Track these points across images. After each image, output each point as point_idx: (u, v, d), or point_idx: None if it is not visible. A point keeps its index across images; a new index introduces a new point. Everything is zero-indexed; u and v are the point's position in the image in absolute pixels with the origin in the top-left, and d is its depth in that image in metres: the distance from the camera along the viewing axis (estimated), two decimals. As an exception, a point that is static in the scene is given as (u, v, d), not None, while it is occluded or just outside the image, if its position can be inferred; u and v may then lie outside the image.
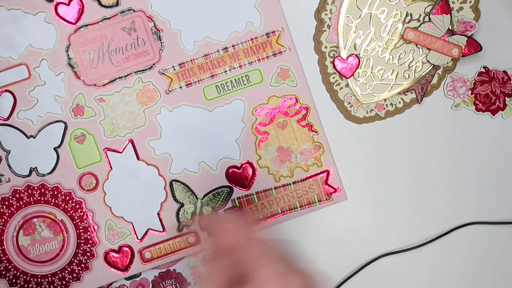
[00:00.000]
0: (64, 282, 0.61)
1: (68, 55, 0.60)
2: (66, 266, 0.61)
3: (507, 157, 0.62)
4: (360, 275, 0.62)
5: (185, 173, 0.60)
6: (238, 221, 0.42)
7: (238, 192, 0.61)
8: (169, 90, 0.60)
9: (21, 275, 0.60)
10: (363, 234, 0.62)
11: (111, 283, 0.61)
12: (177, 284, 0.62)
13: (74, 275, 0.61)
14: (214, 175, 0.61)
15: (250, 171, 0.61)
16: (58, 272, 0.61)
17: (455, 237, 0.62)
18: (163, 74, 0.60)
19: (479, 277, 0.62)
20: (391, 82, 0.61)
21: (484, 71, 0.61)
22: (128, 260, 0.61)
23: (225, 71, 0.60)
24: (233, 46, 0.60)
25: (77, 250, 0.61)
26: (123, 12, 0.59)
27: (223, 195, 0.61)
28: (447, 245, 0.62)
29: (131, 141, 0.60)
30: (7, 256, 0.60)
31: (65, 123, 0.60)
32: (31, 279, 0.61)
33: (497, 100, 0.62)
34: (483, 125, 0.62)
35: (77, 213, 0.60)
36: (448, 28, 0.59)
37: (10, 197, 0.60)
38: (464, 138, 0.62)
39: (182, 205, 0.61)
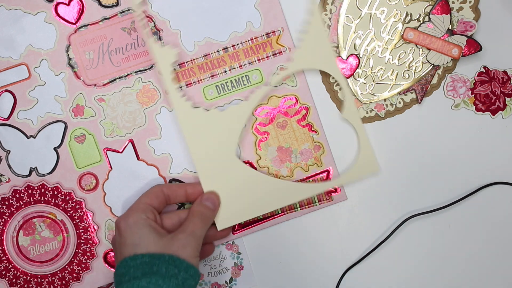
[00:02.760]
0: (64, 282, 0.61)
1: (68, 55, 0.60)
2: (66, 266, 0.61)
3: (507, 157, 0.62)
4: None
5: (185, 173, 0.60)
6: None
7: (238, 192, 0.61)
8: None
9: (21, 275, 0.60)
10: (360, 232, 0.62)
11: (111, 283, 0.61)
12: (177, 284, 0.62)
13: (74, 275, 0.61)
14: (214, 175, 0.61)
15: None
16: (58, 272, 0.61)
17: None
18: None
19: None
20: (391, 82, 0.61)
21: (484, 71, 0.61)
22: (128, 260, 0.61)
23: (225, 71, 0.60)
24: (233, 46, 0.60)
25: (77, 250, 0.61)
26: (123, 12, 0.59)
27: (223, 195, 0.61)
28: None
29: (131, 141, 0.60)
30: (7, 256, 0.60)
31: (65, 123, 0.60)
32: (31, 279, 0.61)
33: (497, 100, 0.62)
34: (483, 125, 0.62)
35: (77, 213, 0.60)
36: (448, 28, 0.59)
37: (10, 197, 0.60)
38: (464, 138, 0.62)
39: (182, 205, 0.61)
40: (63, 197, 0.60)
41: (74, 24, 0.59)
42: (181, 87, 0.60)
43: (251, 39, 0.60)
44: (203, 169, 0.57)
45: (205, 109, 0.58)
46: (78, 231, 0.61)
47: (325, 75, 0.61)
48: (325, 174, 0.61)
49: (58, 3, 0.59)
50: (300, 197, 0.58)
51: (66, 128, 0.60)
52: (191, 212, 0.55)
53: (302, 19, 0.60)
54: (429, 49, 0.60)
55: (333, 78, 0.61)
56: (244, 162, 0.60)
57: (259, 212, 0.58)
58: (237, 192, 0.57)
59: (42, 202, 0.60)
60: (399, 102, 0.61)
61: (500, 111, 0.62)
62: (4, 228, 0.60)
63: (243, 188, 0.57)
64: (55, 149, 0.60)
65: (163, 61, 0.57)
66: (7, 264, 0.60)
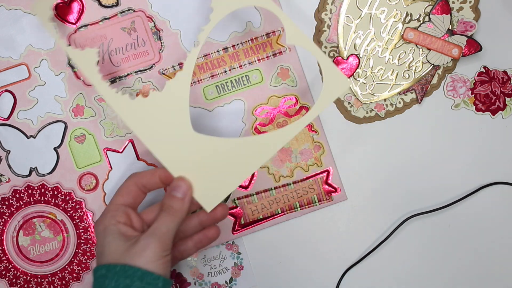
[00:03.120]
0: (64, 282, 0.61)
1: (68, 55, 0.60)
2: (66, 266, 0.61)
3: (507, 157, 0.62)
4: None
5: (185, 173, 0.60)
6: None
7: (238, 192, 0.61)
8: (169, 90, 0.60)
9: (21, 275, 0.60)
10: (359, 233, 0.63)
11: (111, 283, 0.61)
12: (177, 284, 0.62)
13: (74, 275, 0.61)
14: (214, 175, 0.61)
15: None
16: (58, 272, 0.61)
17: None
18: (163, 74, 0.60)
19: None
20: (391, 82, 0.61)
21: (484, 71, 0.61)
22: (128, 260, 0.61)
23: (225, 71, 0.60)
24: (233, 46, 0.60)
25: (77, 250, 0.61)
26: (123, 12, 0.59)
27: (223, 195, 0.61)
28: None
29: (131, 141, 0.60)
30: (7, 256, 0.60)
31: (65, 123, 0.60)
32: (31, 279, 0.61)
33: (497, 100, 0.62)
34: (483, 125, 0.62)
35: (77, 213, 0.60)
36: (448, 28, 0.59)
37: (10, 197, 0.60)
38: (464, 138, 0.62)
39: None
40: (63, 197, 0.60)
41: (74, 24, 0.59)
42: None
43: (251, 39, 0.60)
44: (164, 155, 0.52)
45: (143, 96, 0.53)
46: (78, 231, 0.61)
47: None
48: (325, 174, 0.61)
49: (58, 3, 0.59)
50: (278, 145, 0.52)
51: (66, 128, 0.60)
52: (160, 206, 0.52)
53: (302, 20, 0.60)
54: (429, 49, 0.60)
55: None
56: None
57: (242, 178, 0.52)
58: (210, 166, 0.52)
59: (42, 202, 0.60)
60: (399, 102, 0.61)
61: (500, 111, 0.62)
62: (4, 228, 0.60)
63: (214, 160, 0.52)
64: (55, 149, 0.60)
65: (85, 63, 0.52)
66: (7, 264, 0.60)
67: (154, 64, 0.60)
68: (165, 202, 0.51)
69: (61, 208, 0.60)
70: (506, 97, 0.62)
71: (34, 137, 0.60)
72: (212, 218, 0.54)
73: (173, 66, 0.60)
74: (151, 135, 0.52)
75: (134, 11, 0.59)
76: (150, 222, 0.53)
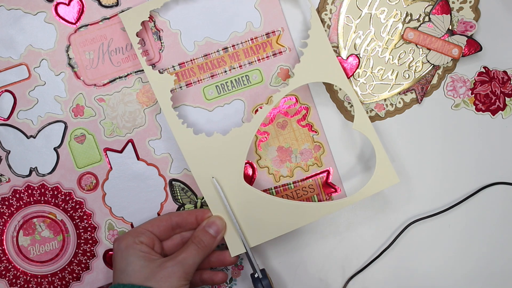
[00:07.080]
0: (64, 282, 0.61)
1: (68, 55, 0.60)
2: (66, 266, 0.61)
3: (507, 157, 0.62)
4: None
5: (185, 173, 0.60)
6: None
7: (238, 192, 0.61)
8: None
9: (21, 275, 0.60)
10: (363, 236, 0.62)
11: (111, 283, 0.61)
12: (177, 284, 0.62)
13: (74, 275, 0.61)
14: (214, 175, 0.61)
15: (250, 171, 0.61)
16: (58, 272, 0.61)
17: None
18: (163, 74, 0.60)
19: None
20: (391, 82, 0.61)
21: (484, 71, 0.61)
22: (128, 260, 0.61)
23: (225, 71, 0.60)
24: (233, 46, 0.60)
25: (77, 250, 0.61)
26: (123, 12, 0.59)
27: (223, 195, 0.61)
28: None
29: (131, 141, 0.60)
30: (7, 256, 0.60)
31: (65, 123, 0.60)
32: (31, 279, 0.61)
33: (497, 100, 0.62)
34: (483, 125, 0.62)
35: (77, 213, 0.60)
36: (448, 28, 0.59)
37: (10, 197, 0.60)
38: (464, 138, 0.62)
39: (182, 205, 0.61)
40: (63, 197, 0.60)
41: (74, 24, 0.59)
42: (181, 87, 0.60)
43: (251, 39, 0.60)
44: (210, 194, 0.56)
45: (207, 134, 0.57)
46: (78, 231, 0.61)
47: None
48: (325, 174, 0.61)
49: (58, 3, 0.59)
50: (316, 217, 0.56)
51: (66, 128, 0.60)
52: (191, 237, 0.55)
53: (301, 21, 0.60)
54: (429, 49, 0.60)
55: (333, 78, 0.61)
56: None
57: (271, 236, 0.56)
58: (247, 215, 0.56)
59: (42, 202, 0.60)
60: (399, 102, 0.61)
61: (500, 111, 0.62)
62: (4, 228, 0.60)
63: (253, 212, 0.56)
64: (55, 149, 0.60)
65: (161, 89, 0.56)
66: (7, 264, 0.60)
67: (154, 64, 0.60)
68: (197, 235, 0.54)
69: (61, 208, 0.60)
70: (506, 97, 0.62)
71: (34, 137, 0.60)
72: (221, 262, 0.57)
73: (173, 66, 0.60)
74: (202, 170, 0.56)
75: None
76: (169, 250, 0.56)
